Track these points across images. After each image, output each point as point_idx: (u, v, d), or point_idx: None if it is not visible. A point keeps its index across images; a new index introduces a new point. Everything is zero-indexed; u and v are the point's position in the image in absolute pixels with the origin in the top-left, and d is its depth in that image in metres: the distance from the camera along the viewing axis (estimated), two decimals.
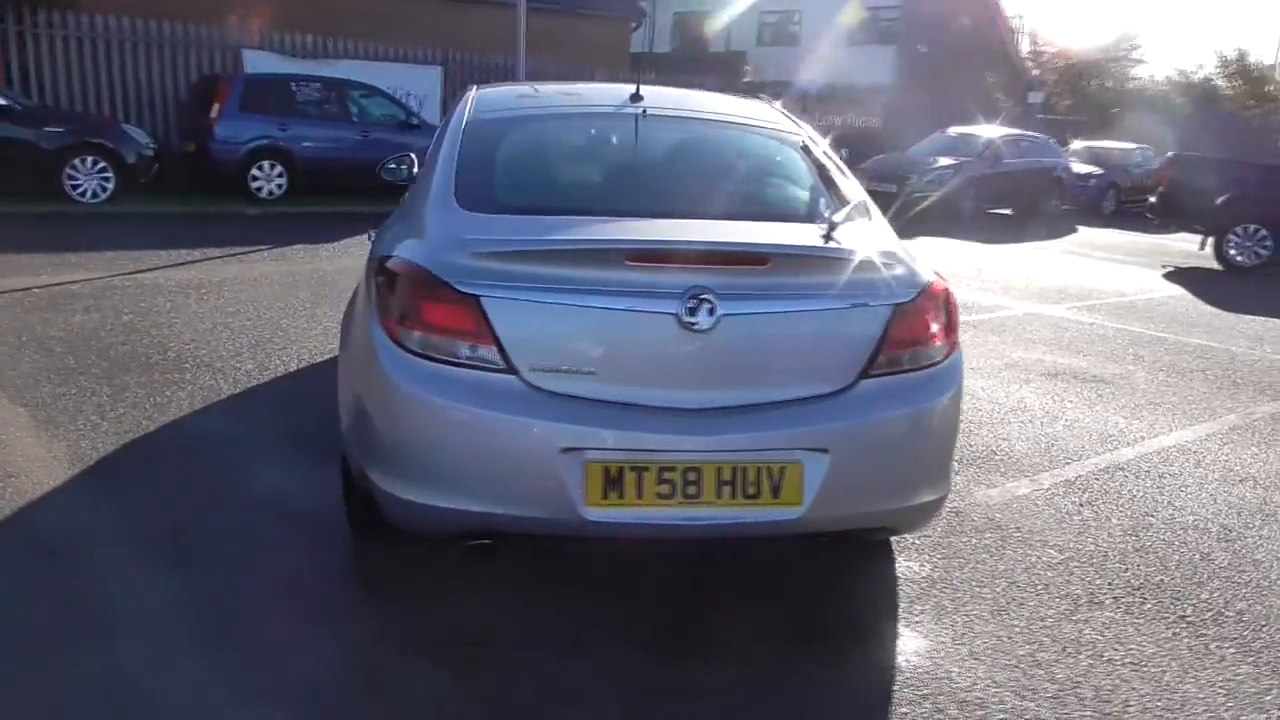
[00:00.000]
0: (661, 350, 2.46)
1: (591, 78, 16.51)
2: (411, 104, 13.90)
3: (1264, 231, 12.17)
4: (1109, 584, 3.27)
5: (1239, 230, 12.29)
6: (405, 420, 2.49)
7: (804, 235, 2.68)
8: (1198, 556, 3.52)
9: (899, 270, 2.66)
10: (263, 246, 9.29)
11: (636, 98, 3.36)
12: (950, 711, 2.51)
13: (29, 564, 3.03)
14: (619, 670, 2.62)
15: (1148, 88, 36.91)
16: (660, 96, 3.45)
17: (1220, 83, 35.57)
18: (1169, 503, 4.03)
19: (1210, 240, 12.51)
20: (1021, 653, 2.81)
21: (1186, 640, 2.92)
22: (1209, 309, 9.21)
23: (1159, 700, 2.61)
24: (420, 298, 2.51)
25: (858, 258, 2.59)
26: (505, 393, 2.44)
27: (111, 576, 2.99)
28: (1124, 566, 3.40)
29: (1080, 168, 19.09)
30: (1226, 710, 2.59)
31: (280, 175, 11.94)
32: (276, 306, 6.74)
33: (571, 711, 2.45)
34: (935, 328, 2.68)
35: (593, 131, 3.29)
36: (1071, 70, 39.07)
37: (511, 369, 2.44)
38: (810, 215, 2.90)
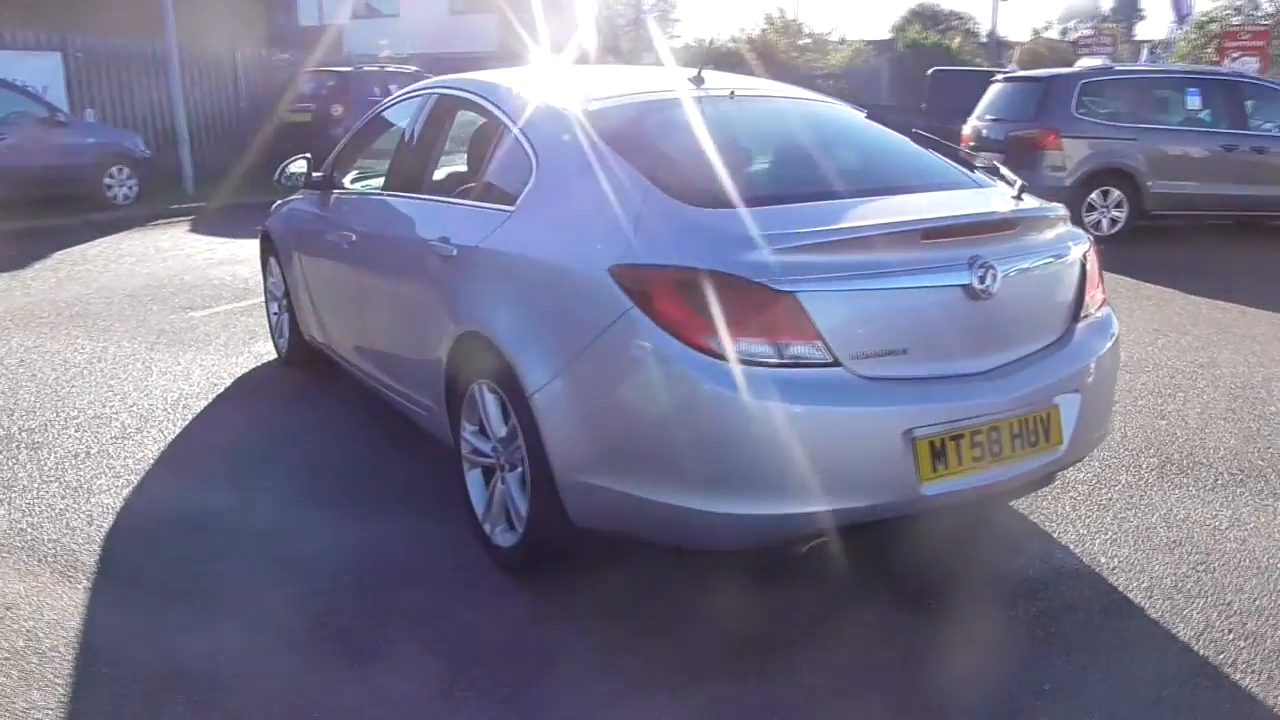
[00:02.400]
0: (956, 319, 2.55)
1: (234, 59, 15.05)
2: None
3: None
4: (1163, 468, 3.85)
5: None
6: (745, 433, 2.36)
7: (1003, 199, 2.88)
8: (1201, 434, 4.23)
9: (1069, 224, 2.96)
10: None
11: (699, 80, 3.33)
12: (1161, 589, 2.91)
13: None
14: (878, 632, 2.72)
15: (717, 46, 40.76)
16: (726, 80, 3.43)
17: (773, 38, 40.25)
18: (1131, 399, 4.73)
19: None
20: (1161, 537, 3.28)
21: (1269, 503, 3.56)
22: None
23: None
24: (734, 303, 2.36)
25: (1057, 214, 2.84)
26: (842, 386, 2.40)
27: (320, 698, 2.48)
28: (1159, 454, 3.99)
29: None
30: None
31: None
32: (68, 352, 5.60)
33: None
34: (1099, 273, 3.02)
35: (719, 117, 3.18)
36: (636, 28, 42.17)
37: (836, 361, 2.40)
38: (975, 181, 3.07)
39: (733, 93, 3.28)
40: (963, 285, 2.52)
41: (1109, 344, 2.91)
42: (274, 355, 5.42)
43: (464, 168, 3.69)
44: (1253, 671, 2.55)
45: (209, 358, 5.45)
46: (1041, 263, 2.74)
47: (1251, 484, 3.73)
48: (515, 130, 3.16)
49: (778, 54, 39.23)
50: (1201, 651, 2.64)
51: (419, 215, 3.52)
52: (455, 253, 3.14)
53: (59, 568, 3.09)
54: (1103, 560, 3.12)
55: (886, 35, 47.59)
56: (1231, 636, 2.70)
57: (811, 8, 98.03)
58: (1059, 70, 10.93)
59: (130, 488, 3.70)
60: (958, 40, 35.03)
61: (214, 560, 3.16)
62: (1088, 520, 3.40)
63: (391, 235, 3.66)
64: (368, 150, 4.52)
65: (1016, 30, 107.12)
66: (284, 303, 5.08)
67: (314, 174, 4.45)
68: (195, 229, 10.57)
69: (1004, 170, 3.11)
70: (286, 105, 14.32)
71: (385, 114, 4.25)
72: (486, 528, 3.10)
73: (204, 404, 4.67)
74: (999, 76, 11.73)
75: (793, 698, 2.45)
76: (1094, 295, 2.95)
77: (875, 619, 2.81)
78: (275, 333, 5.35)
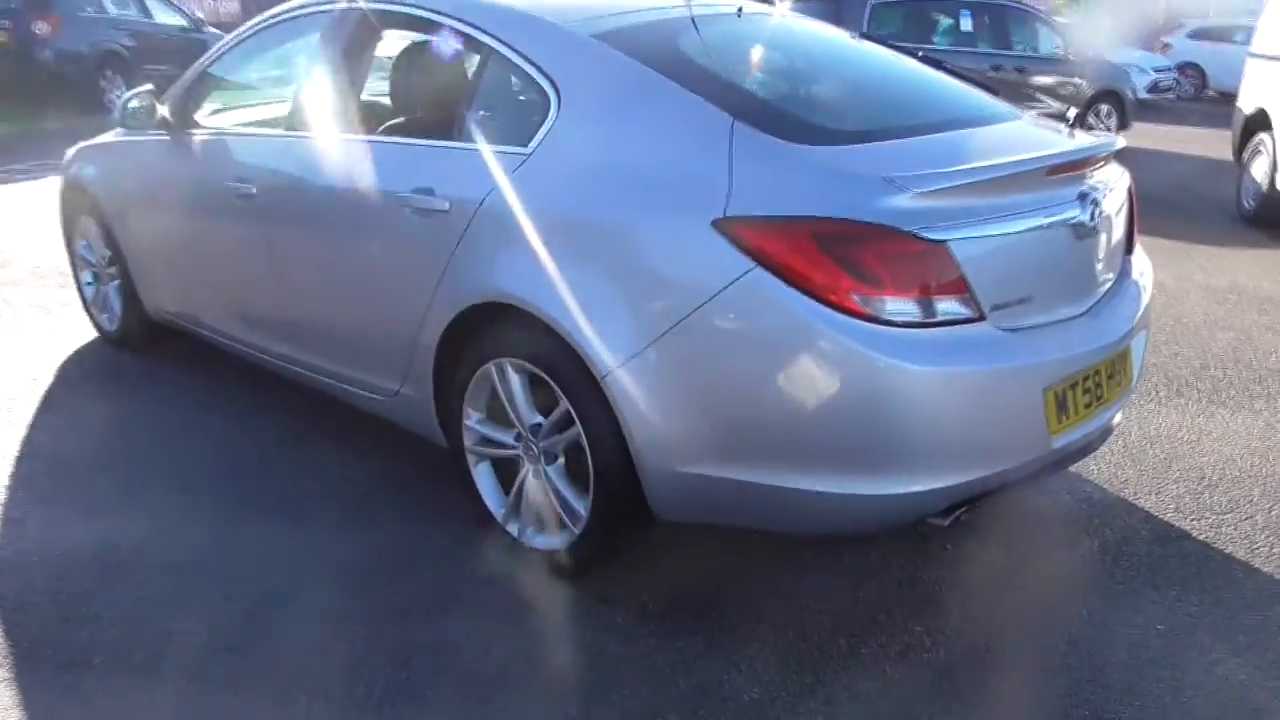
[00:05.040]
0: (1064, 259, 2.40)
1: None
2: None
3: None
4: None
5: None
6: (898, 404, 2.08)
7: (1069, 131, 2.71)
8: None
9: None
10: None
11: None
12: (1186, 509, 2.99)
13: None
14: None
15: None
16: None
17: None
18: None
19: None
20: (1152, 455, 3.36)
21: (1210, 409, 3.76)
22: None
23: None
24: (883, 256, 2.07)
25: (1118, 146, 2.72)
26: (991, 342, 2.17)
27: None
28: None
29: None
30: None
31: None
32: None
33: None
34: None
35: (744, 40, 2.78)
36: None
37: (982, 315, 2.17)
38: (1017, 112, 2.86)
39: (740, 10, 2.91)
40: (1078, 222, 2.36)
41: (1150, 281, 2.87)
42: (92, 335, 4.46)
43: (409, 100, 3.07)
44: None
45: None
46: (1117, 196, 2.63)
47: (1187, 394, 3.93)
48: (512, 55, 2.63)
49: None
50: (1264, 569, 2.71)
51: (371, 161, 2.88)
52: (448, 206, 2.60)
53: None
54: (1119, 483, 3.16)
55: None
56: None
57: None
58: None
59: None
60: None
61: (172, 612, 2.49)
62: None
63: (327, 186, 2.99)
64: (226, 82, 3.72)
65: None
66: (109, 271, 4.16)
67: (161, 111, 3.61)
68: None
69: (1048, 100, 2.97)
70: None
71: (263, 36, 3.44)
72: (512, 529, 2.67)
73: (32, 404, 3.75)
74: None
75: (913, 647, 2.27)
76: (1136, 229, 2.89)
77: (958, 568, 2.68)
78: (94, 308, 4.39)
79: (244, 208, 3.22)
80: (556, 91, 2.50)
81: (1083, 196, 2.38)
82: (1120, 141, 2.60)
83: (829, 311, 2.05)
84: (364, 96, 3.12)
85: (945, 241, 2.10)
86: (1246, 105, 7.81)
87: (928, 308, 2.11)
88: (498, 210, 2.50)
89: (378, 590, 2.58)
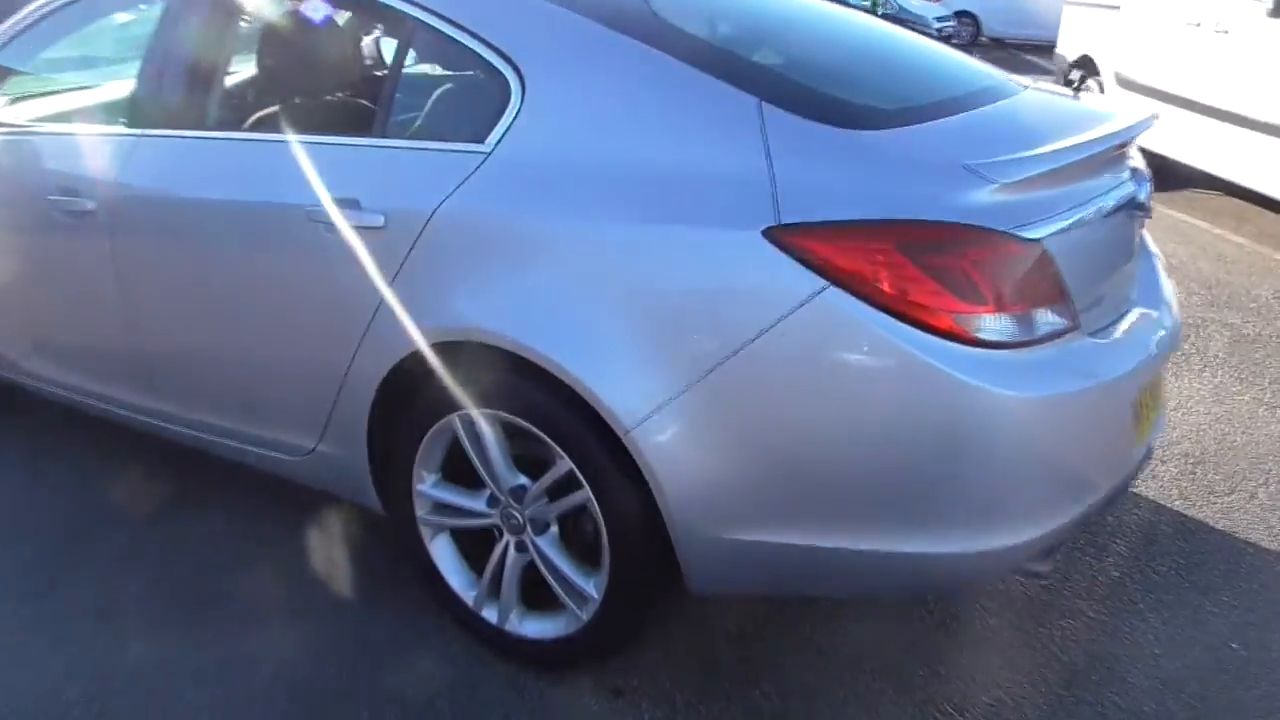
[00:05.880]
0: (1126, 242, 2.11)
1: None
2: None
3: None
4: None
5: None
6: (1021, 443, 1.71)
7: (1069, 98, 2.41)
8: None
9: None
10: None
11: None
12: (1190, 492, 2.83)
13: None
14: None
15: None
16: None
17: None
18: None
19: None
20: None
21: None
22: None
23: None
24: (982, 263, 1.68)
25: None
26: (1091, 356, 1.84)
27: None
28: None
29: None
30: None
31: None
32: None
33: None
34: None
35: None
36: None
37: (1076, 324, 1.83)
38: (1019, 80, 2.52)
39: None
40: (1138, 202, 2.07)
41: (1160, 255, 2.64)
42: None
43: (301, 88, 2.43)
44: None
45: None
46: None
47: None
48: (446, 26, 2.07)
49: None
50: None
51: (264, 165, 2.24)
52: (382, 222, 2.02)
53: None
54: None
55: None
56: None
57: None
58: None
59: None
60: None
61: None
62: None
63: (202, 199, 2.32)
64: (28, 68, 2.93)
65: None
66: None
67: None
68: None
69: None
70: None
71: (82, 6, 2.66)
72: (490, 615, 2.16)
73: None
74: None
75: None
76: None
77: (993, 594, 2.38)
78: None
79: (77, 227, 2.50)
80: (517, 73, 1.97)
81: (1134, 172, 2.10)
82: (1157, 112, 2.33)
83: (926, 336, 1.65)
84: (235, 82, 2.46)
85: (1041, 240, 1.74)
86: (1069, 52, 7.94)
87: (1029, 322, 1.75)
88: (456, 225, 1.95)
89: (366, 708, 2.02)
